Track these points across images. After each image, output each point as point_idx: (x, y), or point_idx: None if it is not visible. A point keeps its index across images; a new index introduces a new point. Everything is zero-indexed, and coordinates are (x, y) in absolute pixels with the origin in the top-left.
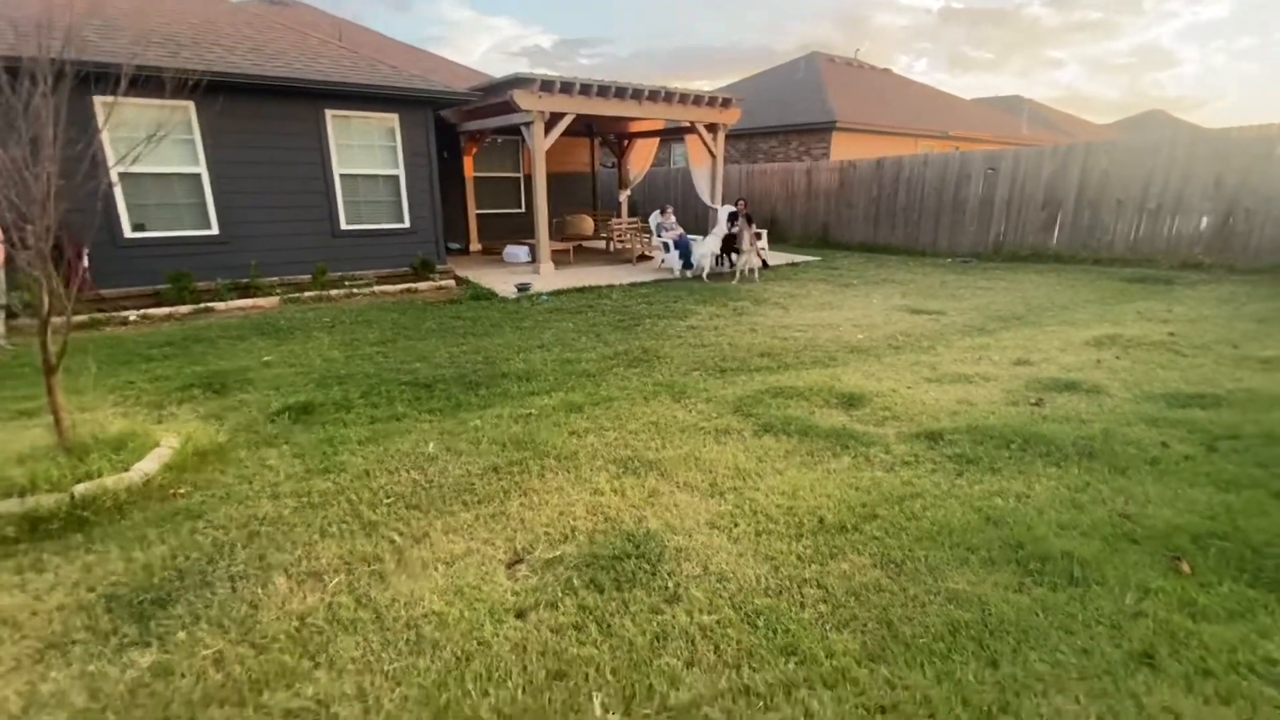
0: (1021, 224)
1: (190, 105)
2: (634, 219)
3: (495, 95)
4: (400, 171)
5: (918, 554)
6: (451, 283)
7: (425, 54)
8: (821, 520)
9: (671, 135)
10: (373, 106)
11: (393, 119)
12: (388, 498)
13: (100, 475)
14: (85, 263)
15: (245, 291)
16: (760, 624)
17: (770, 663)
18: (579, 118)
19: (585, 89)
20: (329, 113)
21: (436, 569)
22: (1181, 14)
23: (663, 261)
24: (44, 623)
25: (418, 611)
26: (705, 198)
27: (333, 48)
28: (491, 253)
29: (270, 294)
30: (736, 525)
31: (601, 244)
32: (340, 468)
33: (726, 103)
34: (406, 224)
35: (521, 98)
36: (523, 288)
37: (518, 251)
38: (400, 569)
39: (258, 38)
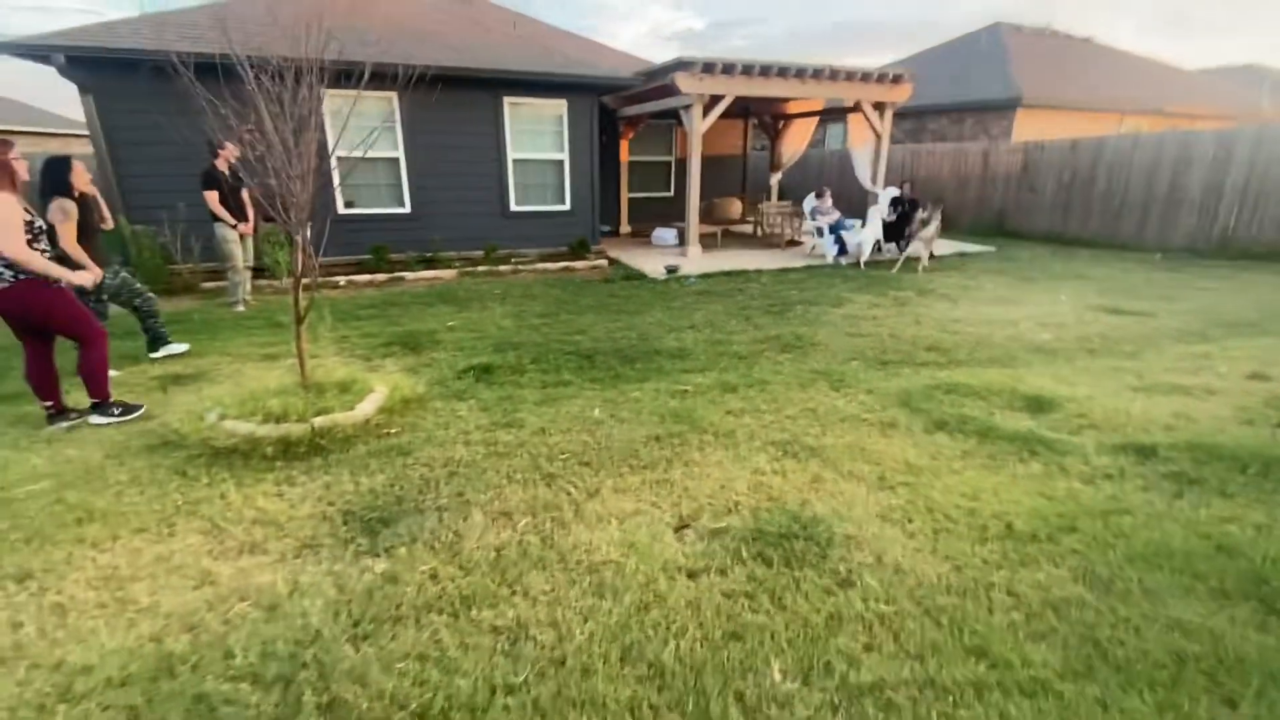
0: (1260, 216)
1: (394, 96)
2: (784, 203)
3: (657, 80)
4: (565, 156)
5: (1128, 574)
6: (605, 262)
7: (586, 41)
8: (1009, 526)
9: (831, 115)
10: (545, 94)
11: (561, 105)
12: (562, 454)
13: (333, 411)
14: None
15: (430, 264)
16: (944, 621)
17: (958, 661)
18: (736, 99)
19: (747, 69)
20: (507, 100)
21: (610, 523)
22: None
23: (814, 247)
24: (298, 527)
25: (597, 558)
26: (865, 180)
27: (512, 39)
28: (640, 235)
29: (450, 266)
30: (911, 521)
31: (749, 228)
32: (520, 424)
33: (897, 79)
34: (567, 206)
35: (683, 81)
36: (671, 269)
37: (666, 234)
38: (578, 519)
39: (449, 33)
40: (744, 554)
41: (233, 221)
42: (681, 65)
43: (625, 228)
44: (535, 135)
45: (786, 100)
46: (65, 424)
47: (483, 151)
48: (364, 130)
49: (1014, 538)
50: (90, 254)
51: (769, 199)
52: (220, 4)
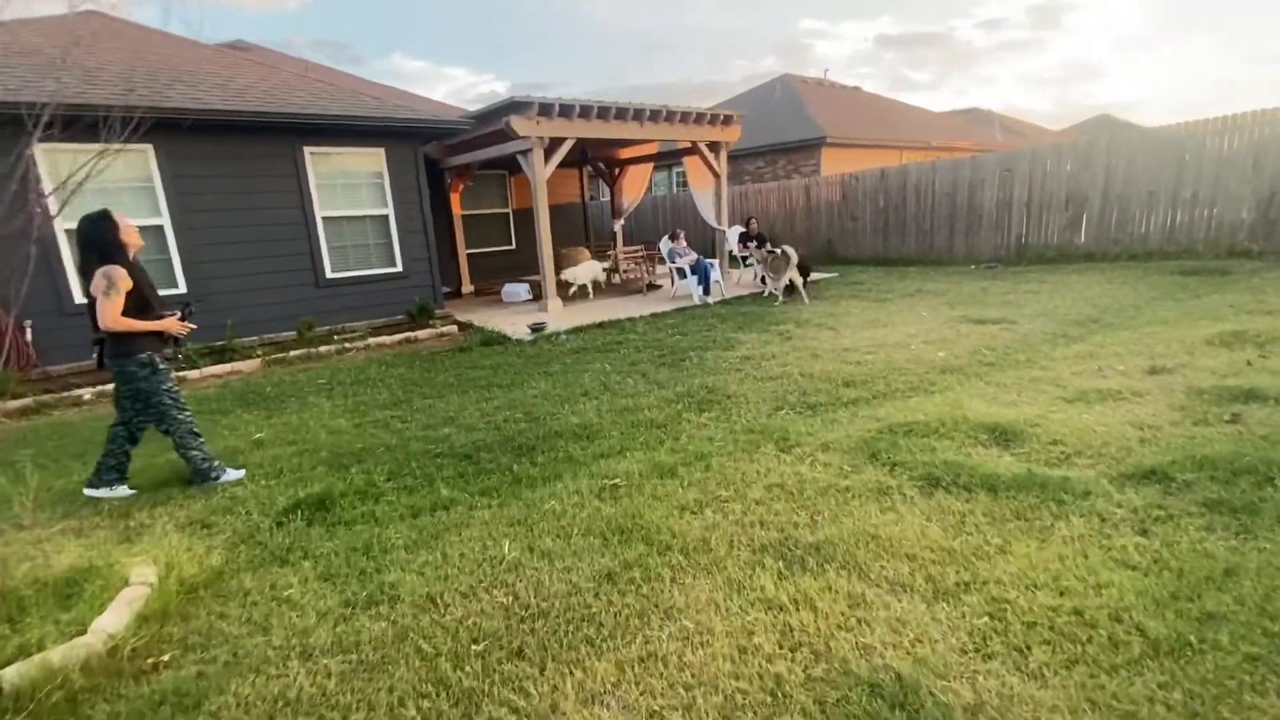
0: (1044, 224)
1: (149, 149)
2: (634, 248)
3: (488, 124)
4: (390, 210)
5: None
6: (454, 328)
7: (400, 91)
8: (1142, 632)
9: (667, 159)
10: (357, 141)
11: (378, 155)
12: (476, 641)
13: (41, 647)
14: (29, 335)
15: (221, 355)
16: None
17: None
18: (574, 145)
19: (585, 111)
20: (308, 150)
21: None
22: (1099, 27)
23: (676, 291)
24: None
25: None
26: (711, 219)
27: (308, 81)
28: (487, 293)
29: (251, 356)
30: (1023, 653)
31: (602, 277)
32: (392, 593)
33: (728, 120)
34: (399, 267)
35: (519, 124)
36: (537, 328)
37: (518, 290)
38: None
39: (224, 74)
40: None
41: None
42: (516, 107)
43: (468, 286)
44: (350, 189)
45: (622, 146)
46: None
47: (281, 213)
48: (104, 193)
49: (1162, 652)
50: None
51: (616, 245)
52: None
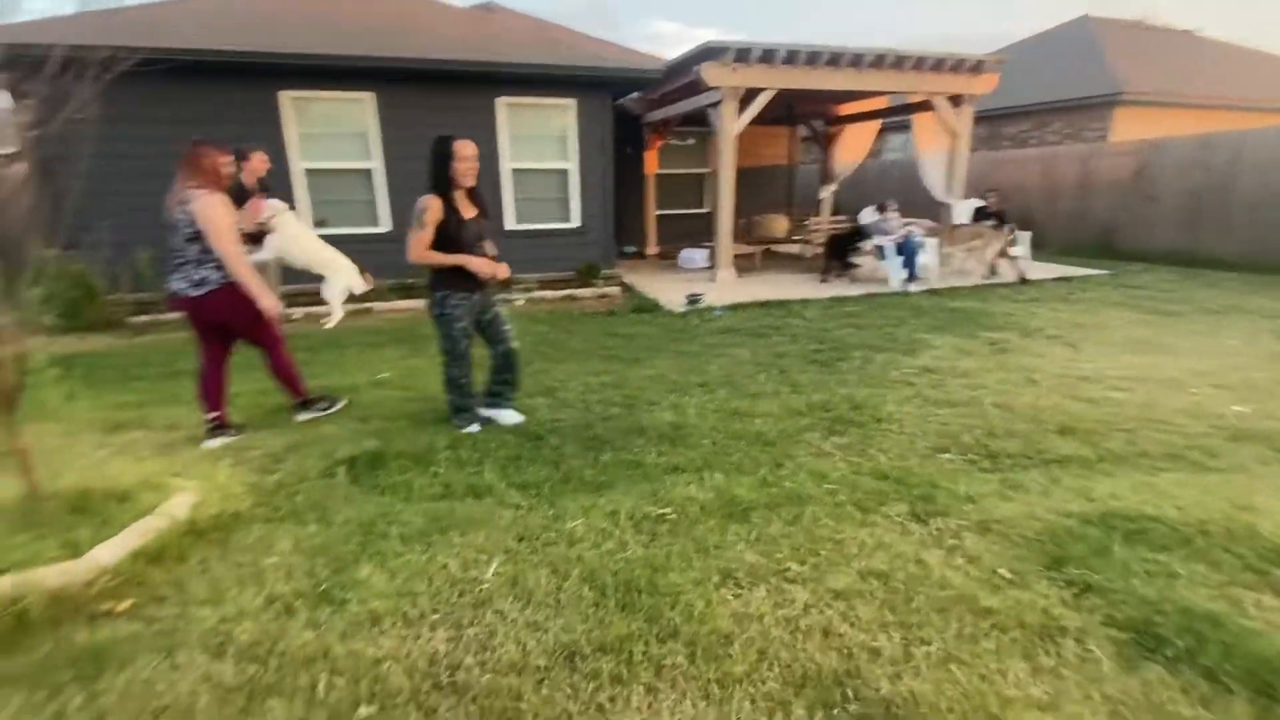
0: None
1: (370, 97)
2: (838, 218)
3: (681, 75)
4: (573, 165)
5: None
6: (616, 290)
7: (597, 40)
8: None
9: (896, 116)
10: (549, 91)
11: (569, 105)
12: (370, 702)
13: (39, 561)
14: None
15: (408, 292)
16: None
17: None
18: (780, 99)
19: (790, 57)
20: (503, 101)
21: None
22: None
23: (875, 270)
24: None
25: None
26: (938, 191)
27: (511, 30)
28: (669, 257)
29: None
30: None
31: (797, 248)
32: (345, 595)
33: (978, 67)
34: (575, 224)
35: (711, 72)
36: (693, 299)
37: (694, 256)
38: None
39: (443, 26)
40: None
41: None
42: (710, 53)
43: (652, 249)
44: (538, 141)
45: (841, 101)
46: (227, 439)
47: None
48: (333, 138)
49: None
50: None
51: (819, 215)
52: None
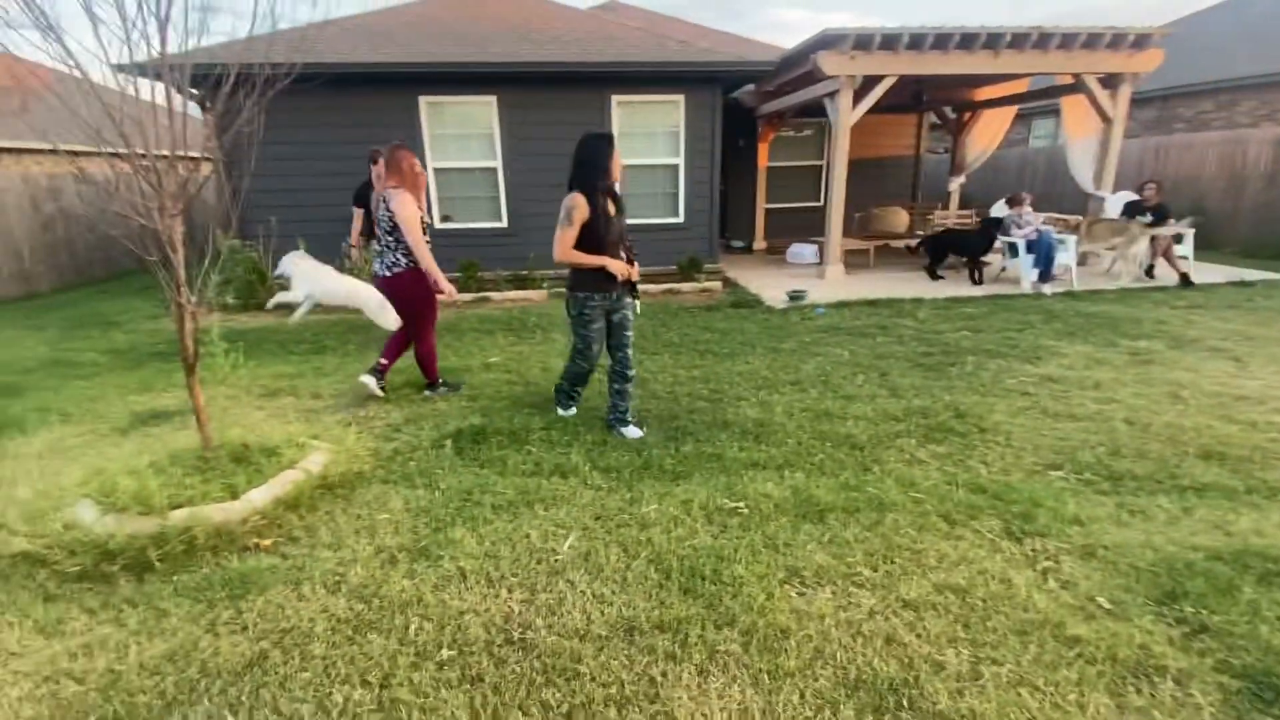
0: None
1: (494, 99)
2: (966, 212)
3: (797, 66)
4: (680, 160)
5: None
6: (718, 285)
7: (709, 30)
8: None
9: (1039, 100)
10: (658, 89)
11: (678, 101)
12: (450, 647)
13: (206, 499)
14: None
15: (521, 283)
16: None
17: None
18: (904, 85)
19: (915, 41)
20: (615, 98)
21: None
22: None
23: (1004, 269)
24: None
25: None
26: (1086, 183)
27: (623, 29)
28: (778, 252)
29: (539, 287)
30: None
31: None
32: (440, 552)
33: (1140, 41)
34: (679, 218)
35: (828, 61)
36: (796, 295)
37: (803, 251)
38: None
39: (563, 29)
40: None
41: (354, 241)
42: (828, 41)
43: (760, 243)
44: (646, 138)
45: (976, 85)
46: (444, 390)
47: None
48: (462, 139)
49: None
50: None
51: (945, 207)
52: (325, 21)
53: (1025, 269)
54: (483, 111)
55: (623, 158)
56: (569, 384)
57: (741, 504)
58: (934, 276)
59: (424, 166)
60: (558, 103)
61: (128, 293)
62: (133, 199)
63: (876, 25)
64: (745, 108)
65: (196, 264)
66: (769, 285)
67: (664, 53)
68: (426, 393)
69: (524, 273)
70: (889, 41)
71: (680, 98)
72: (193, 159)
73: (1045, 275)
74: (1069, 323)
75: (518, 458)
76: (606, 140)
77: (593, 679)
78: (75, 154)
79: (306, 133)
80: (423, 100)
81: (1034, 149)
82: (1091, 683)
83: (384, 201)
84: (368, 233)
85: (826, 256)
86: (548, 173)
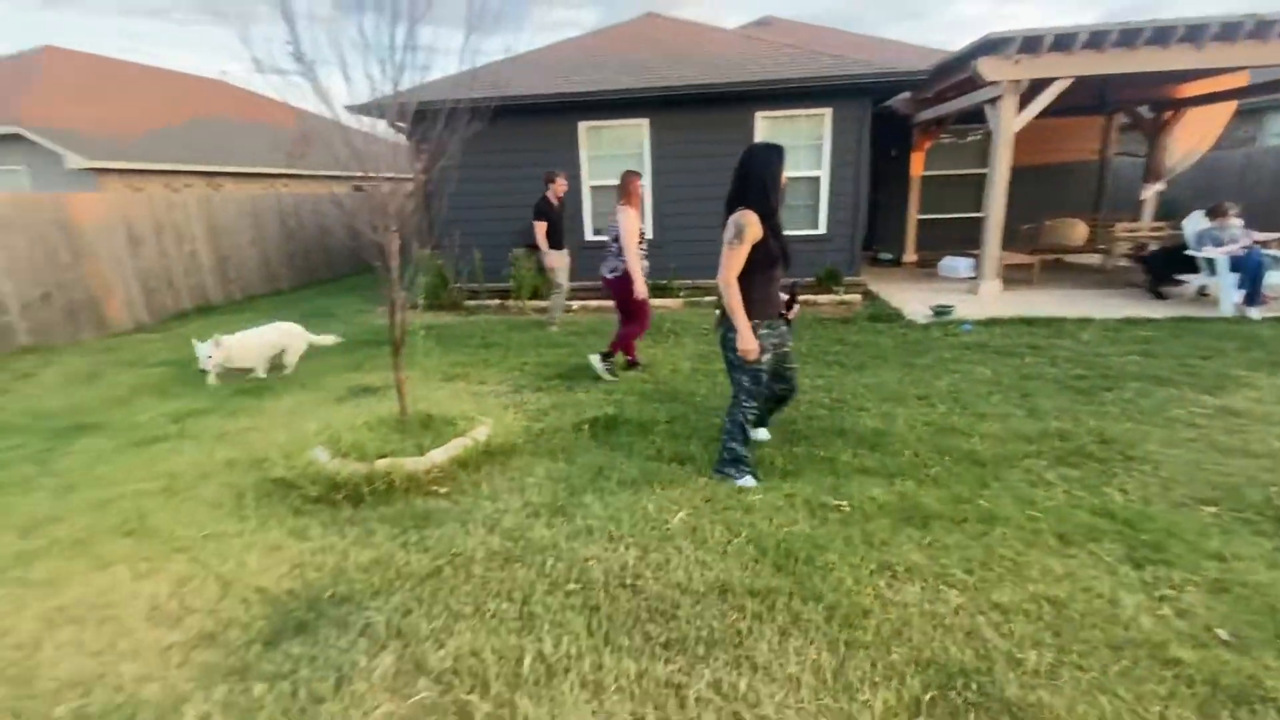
0: None
1: (645, 121)
2: (1160, 224)
3: (956, 72)
4: (824, 173)
5: None
6: (857, 298)
7: (860, 37)
8: None
9: (1264, 95)
10: (804, 104)
11: (824, 115)
12: (568, 583)
13: (403, 453)
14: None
15: (662, 292)
16: None
17: None
18: (1086, 85)
19: (1095, 39)
20: (760, 115)
21: None
22: None
23: (1203, 289)
24: (222, 611)
25: None
26: None
27: (772, 46)
28: (929, 265)
29: (677, 295)
30: None
31: (1098, 259)
32: (569, 514)
33: None
34: (821, 230)
35: (990, 67)
36: (941, 310)
37: (957, 264)
38: None
39: (712, 51)
40: None
41: (546, 249)
42: (989, 46)
43: (911, 256)
44: (791, 152)
45: (1176, 82)
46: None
47: (727, 173)
48: (614, 159)
49: None
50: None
51: (1135, 219)
52: (506, 57)
53: (1226, 289)
54: (634, 133)
55: None
56: (737, 441)
57: (845, 502)
58: (1158, 296)
59: (580, 186)
60: (704, 121)
61: (341, 291)
62: (367, 217)
63: (1047, 27)
64: (899, 115)
65: (405, 270)
66: (912, 299)
67: (808, 68)
68: (601, 365)
69: (664, 282)
70: (1063, 42)
71: (827, 111)
72: (406, 181)
73: (1253, 297)
74: (1272, 351)
75: (643, 444)
76: (777, 152)
77: (688, 622)
78: (333, 179)
79: (482, 157)
80: (582, 125)
81: (1264, 149)
82: (1182, 699)
83: (613, 216)
84: (555, 242)
85: (983, 271)
86: (689, 188)
